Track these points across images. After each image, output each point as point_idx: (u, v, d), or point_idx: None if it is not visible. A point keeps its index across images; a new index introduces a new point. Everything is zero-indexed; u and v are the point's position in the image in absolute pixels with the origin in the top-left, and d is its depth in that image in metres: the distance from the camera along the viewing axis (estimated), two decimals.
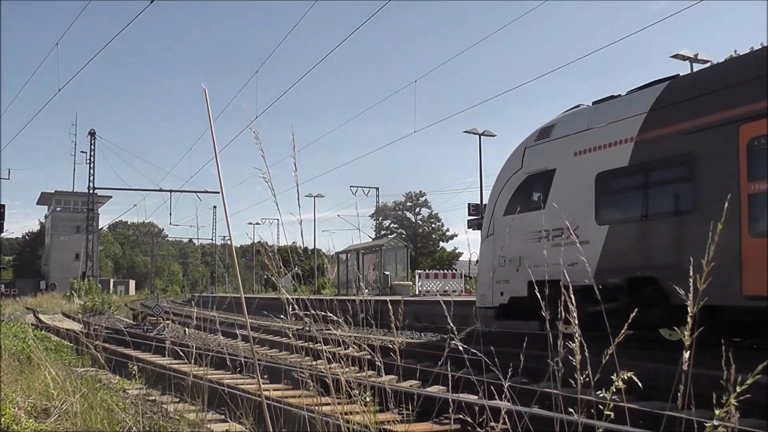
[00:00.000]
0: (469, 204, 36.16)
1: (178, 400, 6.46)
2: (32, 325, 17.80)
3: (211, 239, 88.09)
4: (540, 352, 3.77)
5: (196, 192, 53.70)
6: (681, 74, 10.87)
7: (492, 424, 2.94)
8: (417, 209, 79.46)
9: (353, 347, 3.29)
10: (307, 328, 3.34)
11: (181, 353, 4.94)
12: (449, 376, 4.42)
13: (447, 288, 30.96)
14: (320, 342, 3.46)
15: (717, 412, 1.92)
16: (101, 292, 41.66)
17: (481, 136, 36.40)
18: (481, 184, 38.13)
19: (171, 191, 54.60)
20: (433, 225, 78.40)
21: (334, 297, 25.93)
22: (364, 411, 3.43)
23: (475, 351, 3.07)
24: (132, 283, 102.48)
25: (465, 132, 36.32)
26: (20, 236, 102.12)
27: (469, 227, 33.74)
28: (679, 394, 2.08)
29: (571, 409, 2.72)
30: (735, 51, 29.97)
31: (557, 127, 12.25)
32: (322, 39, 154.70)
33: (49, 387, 5.50)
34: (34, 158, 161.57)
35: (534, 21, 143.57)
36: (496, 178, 13.67)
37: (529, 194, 12.57)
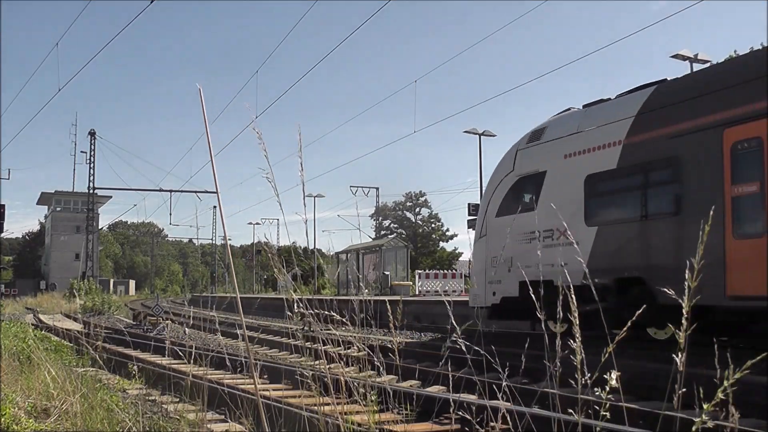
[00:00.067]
0: (469, 204, 36.10)
1: (177, 400, 6.47)
2: (32, 325, 17.81)
3: (211, 239, 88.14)
4: (539, 352, 3.77)
5: (196, 192, 53.62)
6: (668, 78, 11.03)
7: (492, 423, 2.94)
8: (417, 209, 79.48)
9: (359, 345, 3.29)
10: (310, 328, 3.33)
11: (180, 353, 4.94)
12: (449, 375, 4.42)
13: (447, 288, 30.96)
14: (323, 342, 3.46)
15: (705, 406, 1.93)
16: (101, 292, 41.62)
17: (481, 136, 36.38)
18: (481, 184, 38.10)
19: (171, 191, 54.48)
20: (433, 225, 78.41)
21: (334, 297, 25.96)
22: (364, 411, 3.43)
23: (477, 348, 3.08)
24: (132, 283, 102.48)
25: (465, 132, 36.30)
26: (20, 236, 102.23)
27: (469, 227, 33.78)
28: (675, 395, 2.07)
29: (570, 410, 2.72)
30: (735, 51, 29.98)
31: (548, 130, 12.46)
32: (322, 39, 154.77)
33: (49, 387, 5.50)
34: (34, 158, 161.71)
35: (534, 21, 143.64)
36: (489, 180, 13.93)
37: (521, 196, 12.80)
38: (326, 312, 3.32)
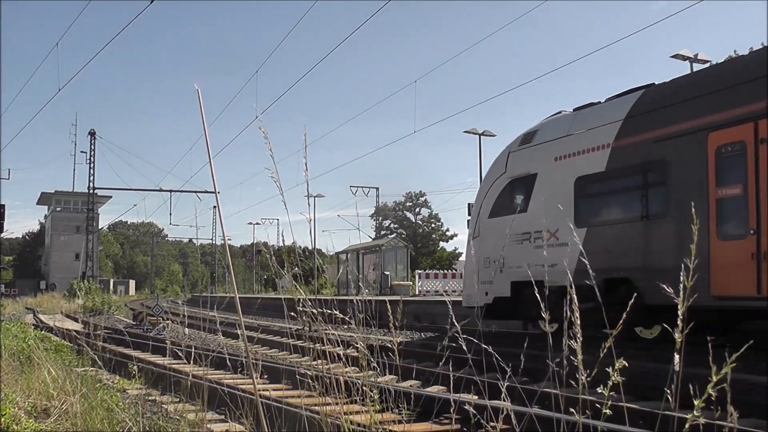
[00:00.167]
0: (469, 204, 35.87)
1: (177, 400, 6.47)
2: (32, 325, 17.81)
3: (211, 239, 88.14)
4: (540, 352, 3.77)
5: (196, 192, 53.62)
6: (656, 83, 11.21)
7: (492, 423, 2.94)
8: (417, 209, 79.49)
9: (360, 344, 3.29)
10: (311, 328, 3.33)
11: (180, 353, 4.94)
12: (450, 375, 4.42)
13: (447, 288, 30.97)
14: (325, 342, 3.46)
15: (696, 403, 1.93)
16: (101, 292, 41.61)
17: (481, 136, 36.36)
18: None
19: (171, 191, 54.54)
20: (433, 225, 78.41)
21: (334, 297, 25.94)
22: (363, 411, 3.43)
23: (480, 342, 3.08)
24: (132, 283, 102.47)
25: (465, 132, 36.29)
26: (20, 236, 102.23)
27: (468, 227, 33.75)
28: (672, 395, 2.07)
29: (572, 410, 2.72)
30: (735, 51, 29.99)
31: (539, 133, 12.70)
32: (322, 39, 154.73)
33: (49, 387, 5.50)
34: (34, 158, 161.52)
35: (534, 21, 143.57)
36: (482, 181, 14.23)
37: (513, 197, 13.02)
38: (327, 311, 3.32)
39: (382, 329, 17.25)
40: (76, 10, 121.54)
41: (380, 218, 68.83)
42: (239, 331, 8.92)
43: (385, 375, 7.59)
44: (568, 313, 2.36)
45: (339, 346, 3.69)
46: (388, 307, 3.31)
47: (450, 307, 3.32)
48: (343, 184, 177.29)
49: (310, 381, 3.47)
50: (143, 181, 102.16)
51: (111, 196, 76.51)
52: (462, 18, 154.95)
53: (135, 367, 6.81)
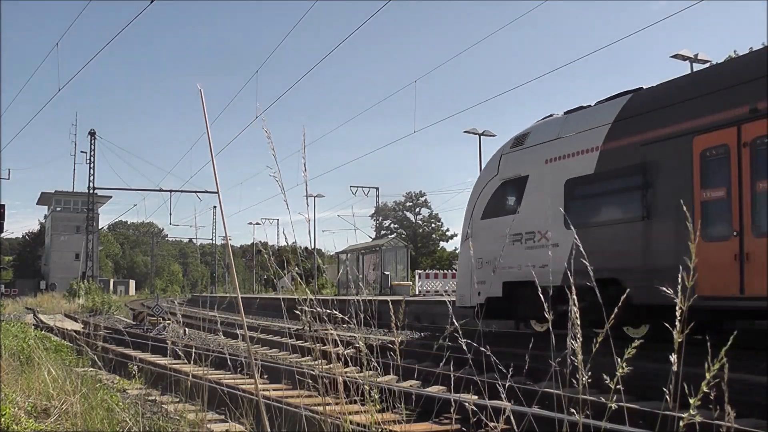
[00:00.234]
0: None
1: (177, 400, 6.47)
2: (32, 325, 17.81)
3: (211, 239, 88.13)
4: (540, 352, 3.76)
5: (196, 192, 53.66)
6: (644, 87, 11.42)
7: (492, 423, 2.94)
8: (417, 209, 79.50)
9: (360, 344, 3.28)
10: (312, 328, 3.33)
11: (180, 353, 4.94)
12: (450, 375, 4.42)
13: (447, 288, 30.97)
14: (323, 341, 3.46)
15: (692, 401, 1.94)
16: (101, 292, 41.63)
17: (481, 136, 36.37)
18: None
19: (171, 191, 54.54)
20: (433, 225, 78.42)
21: (334, 297, 25.93)
22: (363, 411, 3.43)
23: (480, 348, 3.08)
24: (132, 283, 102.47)
25: (465, 132, 36.29)
26: (20, 236, 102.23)
27: None
28: (670, 395, 2.08)
29: (573, 410, 2.72)
30: (735, 51, 29.99)
31: (530, 136, 12.95)
32: (322, 39, 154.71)
33: (49, 387, 5.50)
34: (34, 158, 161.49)
35: (534, 21, 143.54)
36: (475, 183, 14.39)
37: (505, 199, 13.26)
38: (328, 311, 3.32)
39: (382, 329, 17.27)
40: (76, 10, 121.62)
41: (380, 218, 68.86)
42: (239, 332, 8.92)
43: (385, 375, 7.59)
44: (570, 312, 2.36)
45: (339, 346, 3.69)
46: (390, 307, 3.31)
47: (450, 307, 3.32)
48: (343, 184, 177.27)
49: (309, 381, 3.47)
50: (143, 181, 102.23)
51: (111, 196, 76.62)
52: (462, 18, 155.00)
53: (135, 367, 6.81)
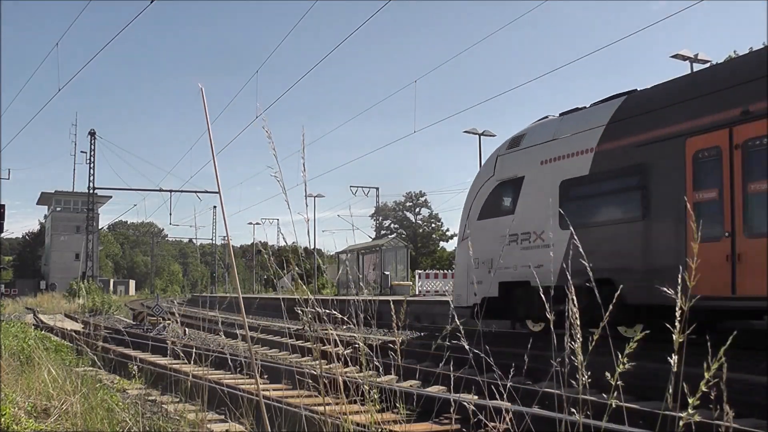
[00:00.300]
0: None
1: (177, 400, 6.47)
2: (33, 325, 17.81)
3: (211, 239, 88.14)
4: (540, 352, 3.77)
5: (196, 192, 53.65)
6: (638, 89, 11.55)
7: (492, 424, 2.94)
8: (417, 209, 79.51)
9: (360, 344, 3.28)
10: (312, 328, 3.33)
11: (180, 353, 4.94)
12: (451, 375, 4.42)
13: (447, 288, 30.96)
14: (323, 341, 3.46)
15: (691, 400, 1.94)
16: (101, 292, 41.62)
17: (481, 136, 36.36)
18: None
19: (171, 191, 54.53)
20: (433, 225, 78.43)
21: (334, 297, 25.93)
22: (363, 411, 3.43)
23: (471, 349, 3.08)
24: (132, 283, 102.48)
25: (465, 132, 36.29)
26: (20, 236, 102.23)
27: None
28: (669, 394, 2.08)
29: (573, 410, 2.72)
30: (735, 51, 29.99)
31: (526, 137, 13.09)
32: (322, 39, 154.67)
33: (49, 387, 5.50)
34: (34, 158, 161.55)
35: (534, 21, 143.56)
36: (472, 184, 14.55)
37: (501, 200, 13.41)
38: (328, 311, 3.32)
39: (382, 329, 17.26)
40: (76, 10, 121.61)
41: (380, 218, 68.85)
42: (239, 332, 8.91)
43: (385, 375, 7.59)
44: (569, 313, 2.36)
45: (339, 346, 3.69)
46: (392, 307, 3.31)
47: (452, 306, 3.32)
48: (343, 184, 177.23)
49: (310, 381, 3.47)
50: (143, 181, 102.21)
51: (111, 196, 76.62)
52: (462, 18, 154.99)
53: (135, 367, 6.81)
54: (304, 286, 3.32)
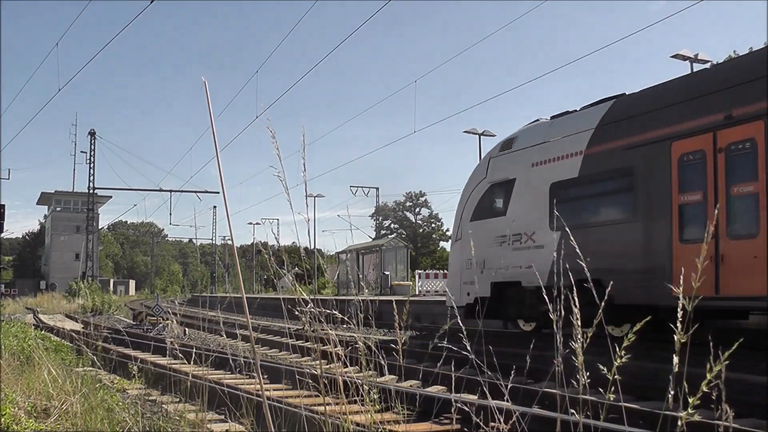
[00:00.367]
0: None
1: (177, 400, 6.47)
2: (33, 325, 17.81)
3: (211, 239, 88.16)
4: (539, 353, 3.77)
5: (196, 192, 53.72)
6: (626, 93, 11.77)
7: (492, 423, 2.94)
8: (417, 209, 79.54)
9: (361, 344, 3.28)
10: (312, 328, 3.33)
11: (180, 353, 4.94)
12: (451, 375, 4.42)
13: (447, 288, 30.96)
14: (323, 342, 3.46)
15: (691, 400, 1.94)
16: (101, 292, 41.62)
17: (481, 136, 36.33)
18: None
19: (171, 191, 54.61)
20: (433, 225, 78.46)
21: (334, 297, 25.95)
22: (364, 411, 3.43)
23: (464, 352, 3.08)
24: (132, 283, 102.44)
25: (465, 132, 36.27)
26: (20, 236, 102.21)
27: None
28: (670, 395, 2.08)
29: (568, 411, 2.73)
30: (734, 51, 30.00)
31: (518, 140, 13.36)
32: (322, 39, 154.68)
33: (49, 387, 5.50)
34: (34, 158, 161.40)
35: (534, 21, 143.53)
36: (465, 186, 14.79)
37: (493, 201, 13.70)
38: (328, 311, 3.32)
39: (381, 329, 17.27)
40: (76, 10, 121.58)
41: (380, 218, 68.87)
42: (238, 331, 8.92)
43: (385, 375, 7.58)
44: (567, 313, 2.37)
45: (338, 346, 3.69)
46: (395, 307, 3.31)
47: (455, 306, 3.32)
48: (343, 184, 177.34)
49: (310, 381, 3.47)
50: (143, 181, 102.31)
51: (111, 196, 76.60)
52: (462, 18, 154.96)
53: (135, 367, 6.81)
54: (300, 287, 3.32)
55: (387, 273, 34.40)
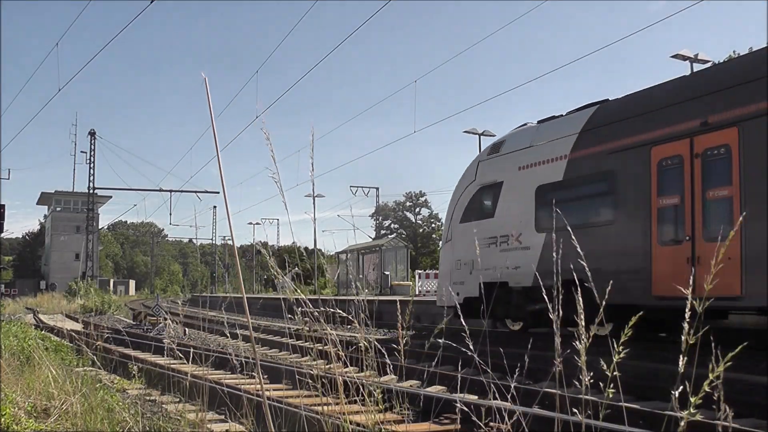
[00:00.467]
0: None
1: (177, 400, 6.46)
2: (33, 325, 17.81)
3: (211, 239, 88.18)
4: (539, 353, 3.77)
5: (196, 192, 53.73)
6: (610, 98, 12.06)
7: (492, 423, 2.94)
8: (417, 209, 79.57)
9: (362, 344, 3.28)
10: (312, 328, 3.32)
11: (180, 353, 4.94)
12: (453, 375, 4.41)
13: None
14: (324, 342, 3.46)
15: (692, 399, 1.94)
16: (101, 292, 41.64)
17: (481, 136, 36.32)
18: None
19: (171, 191, 54.61)
20: (433, 225, 78.47)
21: (335, 297, 25.95)
22: (364, 411, 3.43)
23: (467, 350, 3.08)
24: (132, 283, 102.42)
25: (465, 132, 36.26)
26: (20, 236, 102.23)
27: None
28: (672, 395, 2.08)
29: (567, 410, 2.73)
30: (734, 51, 29.99)
31: (506, 144, 13.72)
32: (323, 39, 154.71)
33: (49, 387, 5.50)
34: (34, 158, 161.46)
35: (534, 21, 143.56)
36: (455, 188, 15.07)
37: (482, 204, 13.98)
38: (329, 310, 3.32)
39: (381, 329, 17.27)
40: (76, 10, 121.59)
41: (380, 218, 68.87)
42: (238, 331, 8.90)
43: (384, 375, 7.56)
44: (580, 313, 2.41)
45: (338, 346, 3.69)
46: (398, 307, 3.31)
47: (458, 306, 3.32)
48: (343, 184, 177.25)
49: (310, 381, 3.47)
50: (143, 181, 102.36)
51: (111, 196, 76.59)
52: (462, 18, 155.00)
53: (135, 367, 6.81)
54: (299, 288, 3.32)
55: (387, 273, 34.40)
